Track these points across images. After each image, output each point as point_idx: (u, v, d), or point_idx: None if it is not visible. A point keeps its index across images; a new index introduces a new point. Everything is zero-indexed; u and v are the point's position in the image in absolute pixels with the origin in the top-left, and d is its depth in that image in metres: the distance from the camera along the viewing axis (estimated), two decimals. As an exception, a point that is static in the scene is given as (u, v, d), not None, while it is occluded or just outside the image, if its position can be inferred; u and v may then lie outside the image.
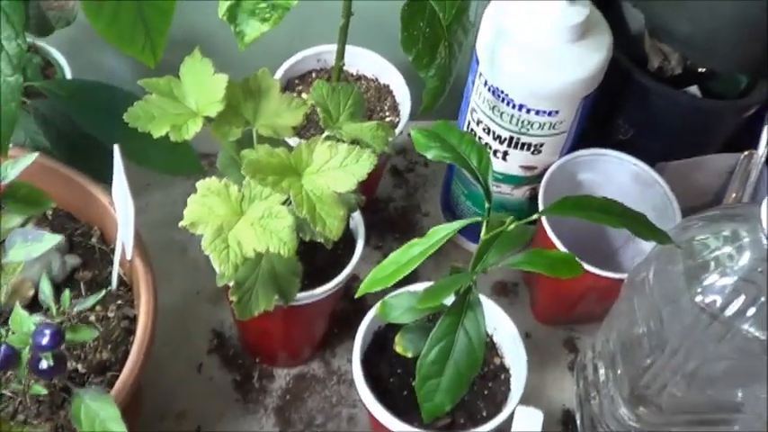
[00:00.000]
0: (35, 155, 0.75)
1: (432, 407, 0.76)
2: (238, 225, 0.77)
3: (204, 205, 0.78)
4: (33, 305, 0.86)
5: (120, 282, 0.91)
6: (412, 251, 0.71)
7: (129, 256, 0.84)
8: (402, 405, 0.86)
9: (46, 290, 0.72)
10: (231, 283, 0.83)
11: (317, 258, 0.92)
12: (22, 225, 0.76)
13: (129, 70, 1.20)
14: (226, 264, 0.75)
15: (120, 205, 0.85)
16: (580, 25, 0.91)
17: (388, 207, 1.20)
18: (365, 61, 1.11)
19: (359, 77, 1.11)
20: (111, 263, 0.92)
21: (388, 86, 1.10)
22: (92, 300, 0.73)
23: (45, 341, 0.66)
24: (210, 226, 0.76)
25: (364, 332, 0.89)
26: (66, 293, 0.72)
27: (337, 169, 0.77)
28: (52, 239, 0.71)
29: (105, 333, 0.88)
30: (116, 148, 0.83)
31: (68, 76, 1.10)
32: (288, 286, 0.84)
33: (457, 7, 0.87)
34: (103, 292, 0.78)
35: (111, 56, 1.23)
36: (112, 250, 0.93)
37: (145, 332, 0.83)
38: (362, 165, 0.77)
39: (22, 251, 0.70)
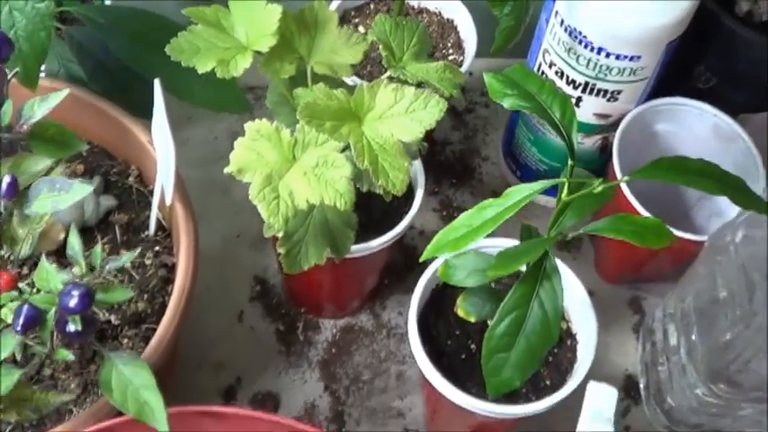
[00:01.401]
0: (66, 91, 0.68)
1: (498, 382, 0.69)
2: (290, 173, 0.70)
3: (253, 150, 0.70)
4: (64, 250, 0.79)
5: (159, 227, 0.85)
6: (486, 213, 0.64)
7: (168, 201, 0.77)
8: (459, 370, 0.80)
9: (75, 245, 0.65)
10: (279, 234, 0.76)
11: (372, 208, 0.85)
12: (51, 169, 0.69)
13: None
14: (275, 216, 0.68)
15: (159, 144, 0.77)
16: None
17: (445, 150, 1.12)
18: (428, -8, 1.02)
19: (420, 11, 1.03)
20: (149, 206, 0.85)
21: (452, 21, 1.01)
22: (126, 258, 0.65)
23: (73, 304, 0.59)
24: (259, 173, 0.69)
25: (422, 290, 0.81)
26: (98, 250, 0.65)
27: (402, 116, 0.70)
28: (82, 190, 0.64)
29: (141, 282, 0.81)
30: (157, 82, 0.76)
31: (107, 1, 1.02)
32: (341, 239, 0.78)
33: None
34: (138, 250, 0.70)
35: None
36: (151, 192, 0.86)
37: (184, 283, 0.77)
38: (431, 112, 0.70)
39: (48, 202, 0.63)
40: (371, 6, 1.01)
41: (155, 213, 0.82)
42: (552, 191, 0.66)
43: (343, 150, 0.70)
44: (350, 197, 0.69)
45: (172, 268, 0.82)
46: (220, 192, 1.06)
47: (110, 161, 0.90)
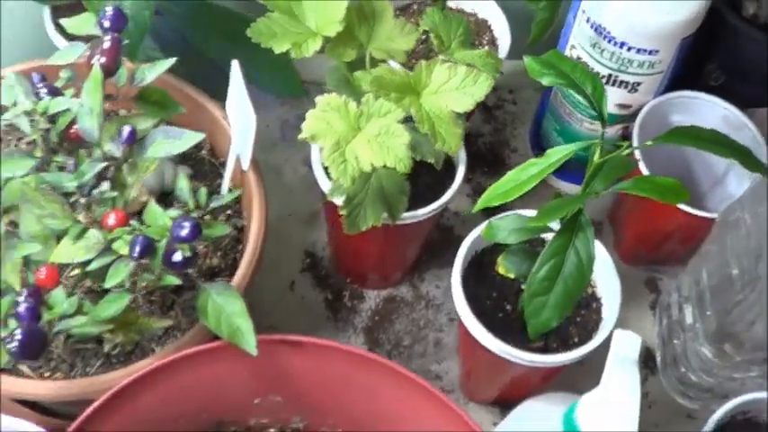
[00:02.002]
0: (172, 60, 0.79)
1: (538, 323, 0.79)
2: (356, 140, 0.80)
3: (323, 120, 0.80)
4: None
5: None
6: (530, 170, 0.74)
7: (245, 167, 0.88)
8: (497, 327, 0.89)
9: (184, 186, 0.75)
10: (340, 200, 0.86)
11: (418, 182, 0.94)
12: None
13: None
14: (344, 175, 0.78)
15: (235, 119, 0.88)
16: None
17: (477, 142, 1.22)
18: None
19: (458, 11, 1.13)
20: (220, 175, 0.95)
21: (486, 21, 1.11)
22: (228, 197, 0.76)
23: (185, 233, 0.69)
24: (329, 140, 0.79)
25: (465, 253, 0.91)
26: (203, 190, 0.75)
27: (455, 90, 0.80)
28: (193, 137, 0.74)
29: (215, 240, 0.91)
30: (235, 63, 0.86)
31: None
32: (396, 204, 0.87)
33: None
34: (238, 192, 0.81)
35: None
36: (222, 164, 0.96)
37: (258, 236, 0.87)
38: (480, 86, 0.80)
39: (163, 147, 0.74)
40: (414, 6, 1.12)
41: (227, 180, 0.92)
42: (574, 176, 0.76)
43: (401, 122, 0.81)
44: (408, 161, 0.79)
45: (241, 230, 0.92)
46: (274, 174, 1.16)
47: (185, 135, 1.00)
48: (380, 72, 0.79)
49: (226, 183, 0.92)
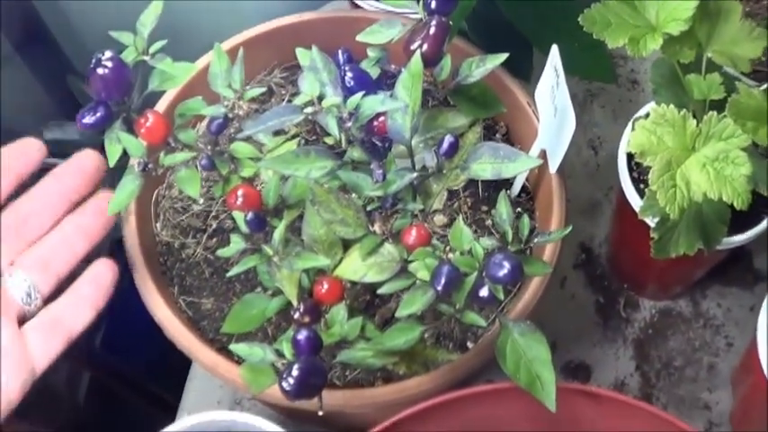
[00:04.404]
0: (504, 55, 0.70)
1: None
2: (688, 163, 0.69)
3: (654, 133, 0.70)
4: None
5: (522, 188, 0.86)
6: None
7: (553, 170, 0.79)
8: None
9: (504, 212, 0.66)
10: (652, 221, 0.77)
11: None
12: (469, 128, 0.70)
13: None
14: (672, 204, 0.68)
15: (544, 110, 0.78)
16: None
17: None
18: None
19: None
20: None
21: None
22: (556, 236, 0.66)
23: (503, 273, 0.59)
24: (660, 159, 0.69)
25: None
26: (525, 221, 0.66)
27: (820, 125, 0.68)
28: (529, 162, 0.65)
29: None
30: (554, 49, 0.76)
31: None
32: (713, 233, 0.77)
33: None
34: (566, 231, 0.70)
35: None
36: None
37: (553, 253, 0.78)
38: None
39: (489, 167, 0.64)
40: None
41: (524, 175, 0.83)
42: None
43: (745, 149, 0.70)
44: (747, 197, 0.68)
45: (531, 231, 0.84)
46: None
47: (479, 113, 0.91)
48: (740, 96, 0.68)
49: (520, 179, 0.83)
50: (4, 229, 0.72)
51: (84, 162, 0.77)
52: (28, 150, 0.76)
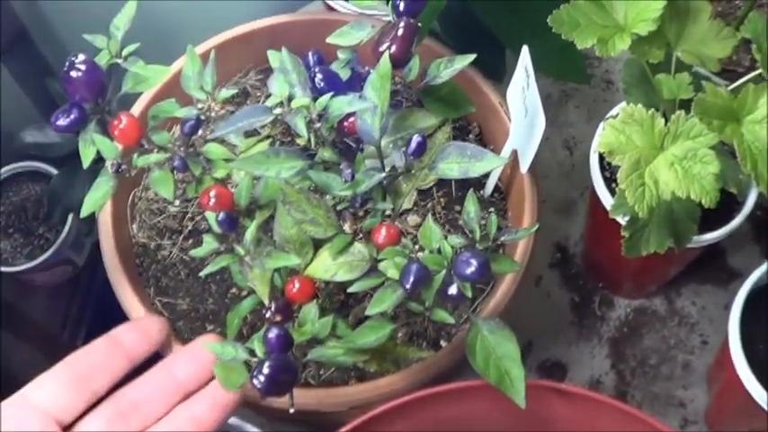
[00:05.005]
0: (472, 56, 0.70)
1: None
2: (656, 162, 0.70)
3: (622, 133, 0.71)
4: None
5: (495, 188, 0.87)
6: None
7: (524, 169, 0.79)
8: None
9: (472, 210, 0.66)
10: (623, 219, 0.77)
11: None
12: (437, 128, 0.71)
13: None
14: (641, 203, 0.69)
15: (516, 111, 0.79)
16: None
17: None
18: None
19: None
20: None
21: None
22: (522, 233, 0.67)
23: (470, 271, 0.60)
24: (628, 158, 0.70)
25: (749, 290, 0.81)
26: (494, 220, 0.66)
27: (786, 124, 0.69)
28: (495, 161, 0.65)
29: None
30: (525, 50, 0.77)
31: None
32: (684, 231, 0.78)
33: None
34: (533, 228, 0.70)
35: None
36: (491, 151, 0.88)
37: (525, 251, 0.79)
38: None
39: (456, 167, 0.64)
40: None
41: (496, 174, 0.84)
42: None
43: (713, 147, 0.70)
44: (715, 195, 0.69)
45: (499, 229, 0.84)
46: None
47: (449, 115, 0.92)
48: (705, 95, 0.68)
49: (494, 176, 0.84)
50: (111, 415, 0.66)
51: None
52: (148, 329, 0.72)
